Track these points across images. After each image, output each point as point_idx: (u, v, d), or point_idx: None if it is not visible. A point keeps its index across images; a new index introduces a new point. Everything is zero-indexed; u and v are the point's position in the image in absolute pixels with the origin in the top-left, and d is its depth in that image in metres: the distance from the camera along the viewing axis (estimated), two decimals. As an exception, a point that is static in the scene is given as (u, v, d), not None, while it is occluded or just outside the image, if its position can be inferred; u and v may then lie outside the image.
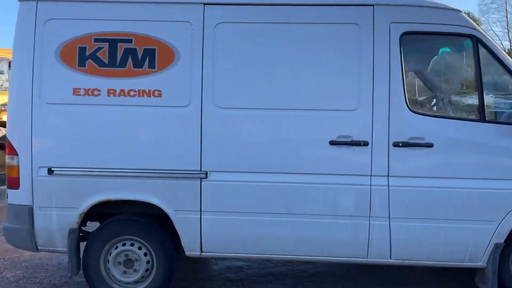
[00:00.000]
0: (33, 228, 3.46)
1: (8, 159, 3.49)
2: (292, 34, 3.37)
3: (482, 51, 3.31)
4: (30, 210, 3.44)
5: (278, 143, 3.37)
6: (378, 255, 3.40)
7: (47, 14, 3.43)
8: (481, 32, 3.34)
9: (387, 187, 3.32)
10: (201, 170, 3.37)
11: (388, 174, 3.32)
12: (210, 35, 3.37)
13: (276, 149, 3.37)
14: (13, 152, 3.44)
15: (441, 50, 3.61)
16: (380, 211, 3.33)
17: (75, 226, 3.45)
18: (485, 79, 3.31)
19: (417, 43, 3.47)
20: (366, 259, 3.43)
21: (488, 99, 3.36)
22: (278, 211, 3.37)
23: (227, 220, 3.41)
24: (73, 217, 3.44)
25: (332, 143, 3.31)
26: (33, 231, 3.46)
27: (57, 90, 3.42)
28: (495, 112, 3.43)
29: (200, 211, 3.40)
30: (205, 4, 3.40)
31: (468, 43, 3.36)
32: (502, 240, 3.30)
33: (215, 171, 3.38)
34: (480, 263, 3.35)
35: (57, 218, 3.45)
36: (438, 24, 3.34)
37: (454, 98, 3.57)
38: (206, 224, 3.41)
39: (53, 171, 3.40)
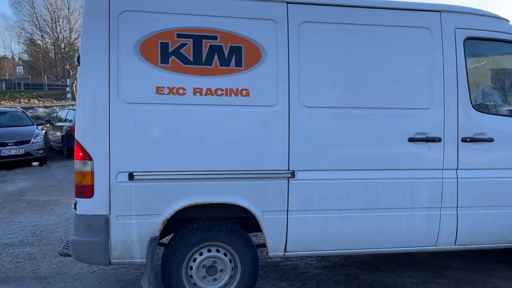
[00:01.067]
0: (108, 239, 3.16)
1: (79, 165, 3.13)
2: (373, 36, 3.50)
3: None
4: (106, 220, 3.14)
5: (362, 141, 3.48)
6: (445, 243, 3.69)
7: (122, 5, 3.15)
8: None
9: (456, 179, 3.61)
10: (288, 169, 3.36)
11: (457, 167, 3.61)
12: (295, 34, 3.37)
13: (360, 147, 3.48)
14: (86, 157, 3.10)
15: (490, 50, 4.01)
16: (449, 201, 3.61)
17: (157, 234, 3.23)
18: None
19: (477, 48, 3.81)
20: (434, 247, 3.69)
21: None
22: (363, 207, 3.48)
23: (313, 219, 3.43)
24: (155, 225, 3.21)
25: (410, 140, 3.51)
26: (109, 243, 3.16)
27: (137, 89, 3.15)
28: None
29: (287, 211, 3.39)
30: (288, 3, 3.39)
31: None
32: None
33: (302, 170, 3.38)
34: None
35: (137, 227, 3.19)
36: (492, 31, 3.73)
37: (508, 98, 4.01)
38: (292, 223, 3.40)
39: (134, 176, 3.14)
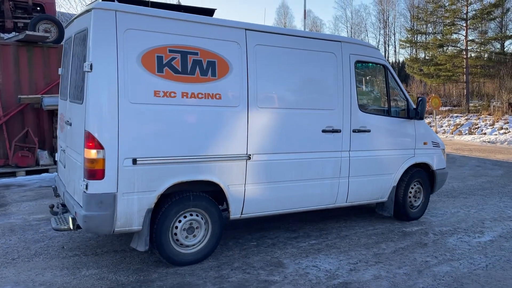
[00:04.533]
0: (115, 212, 3.90)
1: (91, 154, 3.77)
2: (301, 57, 4.89)
3: (388, 75, 5.67)
4: (114, 196, 3.88)
5: (294, 132, 4.86)
6: (340, 201, 5.40)
7: (127, 24, 3.87)
8: (388, 62, 5.70)
9: (348, 158, 5.31)
10: (247, 154, 4.55)
11: (350, 149, 5.31)
12: (252, 53, 4.54)
13: (292, 136, 4.86)
14: (99, 147, 3.78)
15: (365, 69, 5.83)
16: (344, 172, 5.30)
17: (152, 206, 4.10)
18: (390, 91, 5.69)
19: (361, 68, 5.53)
20: (334, 204, 5.37)
21: (391, 103, 5.76)
22: (294, 179, 4.90)
23: (262, 189, 4.71)
24: (151, 199, 4.07)
25: (323, 131, 5.05)
26: (115, 215, 3.91)
27: (140, 92, 3.93)
28: (394, 110, 5.87)
29: (245, 184, 4.60)
30: (246, 29, 4.54)
31: (382, 69, 5.66)
32: (395, 184, 5.81)
33: (255, 154, 4.62)
34: (385, 199, 5.81)
35: (137, 201, 4.00)
36: (370, 56, 5.50)
37: (377, 102, 5.87)
38: (248, 193, 4.63)
39: (136, 161, 3.94)
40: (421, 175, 6.14)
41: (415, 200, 6.15)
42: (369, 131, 5.44)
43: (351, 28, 56.52)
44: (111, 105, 3.82)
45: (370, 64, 5.60)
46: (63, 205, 4.65)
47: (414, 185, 6.11)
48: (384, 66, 5.66)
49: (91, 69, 3.76)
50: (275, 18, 59.66)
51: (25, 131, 9.79)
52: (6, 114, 9.58)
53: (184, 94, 4.16)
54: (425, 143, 6.06)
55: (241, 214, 4.68)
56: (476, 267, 4.56)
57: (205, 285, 4.01)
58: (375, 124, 5.52)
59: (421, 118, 5.81)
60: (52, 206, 4.65)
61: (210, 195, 4.50)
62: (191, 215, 4.38)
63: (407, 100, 5.84)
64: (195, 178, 4.29)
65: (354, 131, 5.31)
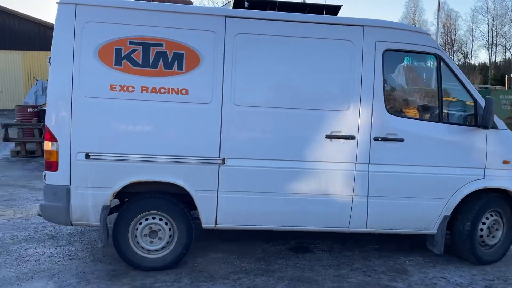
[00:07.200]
0: (69, 205, 3.93)
1: (47, 145, 3.90)
2: (298, 46, 4.05)
3: (443, 67, 4.24)
4: (68, 189, 3.91)
5: (284, 136, 4.08)
6: (357, 225, 4.29)
7: (86, 17, 3.84)
8: (443, 51, 4.27)
9: (367, 172, 4.19)
10: (219, 157, 4.02)
11: (369, 162, 4.18)
12: (231, 43, 3.97)
13: (282, 140, 4.08)
14: (53, 139, 3.86)
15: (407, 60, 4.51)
16: (360, 190, 4.19)
17: (108, 203, 3.98)
18: (443, 88, 4.25)
19: (395, 59, 4.31)
20: (347, 228, 4.31)
21: (445, 104, 4.30)
22: (282, 191, 4.12)
23: (239, 198, 4.10)
24: (106, 196, 3.96)
25: (327, 136, 4.10)
26: (69, 208, 3.93)
27: (95, 85, 3.86)
28: (450, 114, 4.39)
29: (217, 191, 4.07)
30: (226, 16, 3.99)
31: (433, 59, 4.27)
32: (449, 213, 4.35)
33: (231, 158, 4.03)
34: (433, 230, 4.39)
35: (92, 197, 3.95)
36: (411, 44, 4.21)
37: (421, 103, 4.50)
38: (222, 201, 4.08)
39: (90, 156, 3.88)
40: (500, 204, 4.47)
41: (492, 237, 4.52)
42: (401, 140, 4.17)
43: (493, 20, 48.51)
44: (65, 99, 3.84)
45: (414, 53, 4.27)
46: None
47: (490, 215, 4.49)
48: (435, 55, 4.21)
49: (49, 63, 3.86)
50: (403, 12, 53.96)
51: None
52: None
53: (144, 88, 3.91)
54: (505, 162, 4.36)
55: (216, 224, 4.16)
56: None
57: (324, 281, 4.06)
58: (412, 131, 4.21)
59: (485, 126, 4.18)
60: None
61: (180, 199, 4.14)
62: (154, 218, 4.10)
63: (474, 101, 4.26)
64: (154, 178, 4.00)
65: (376, 139, 4.15)
